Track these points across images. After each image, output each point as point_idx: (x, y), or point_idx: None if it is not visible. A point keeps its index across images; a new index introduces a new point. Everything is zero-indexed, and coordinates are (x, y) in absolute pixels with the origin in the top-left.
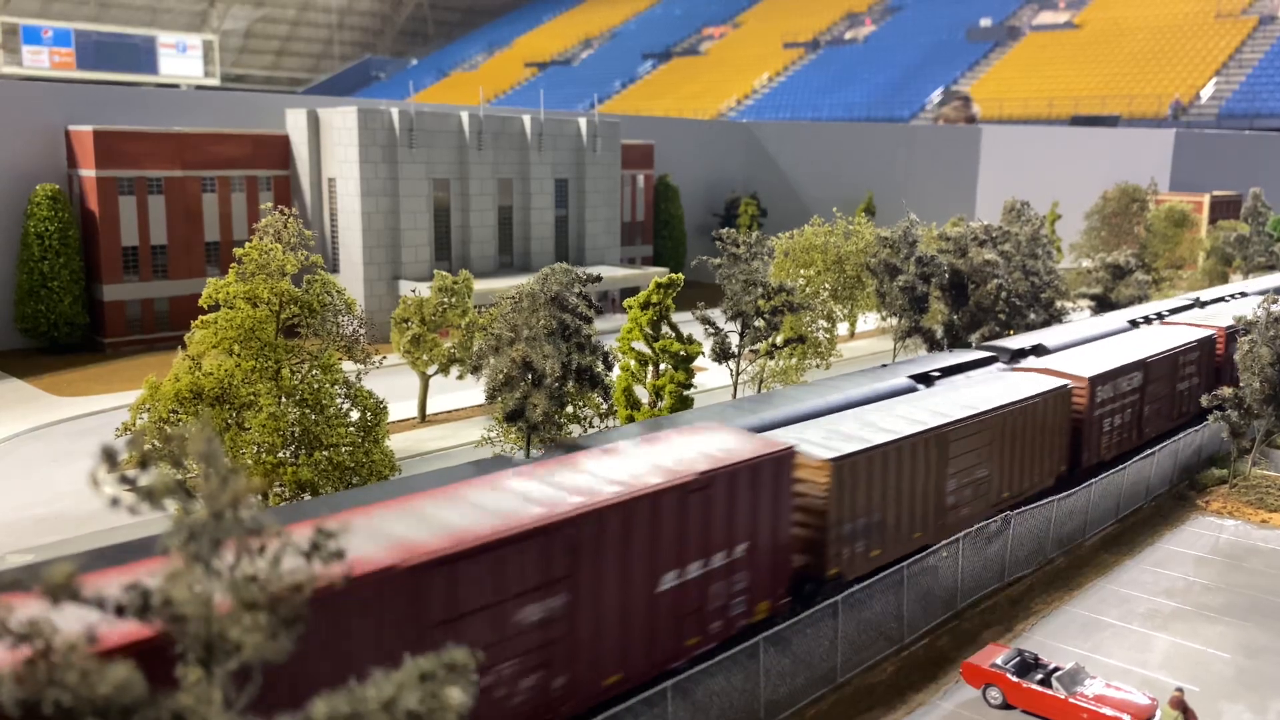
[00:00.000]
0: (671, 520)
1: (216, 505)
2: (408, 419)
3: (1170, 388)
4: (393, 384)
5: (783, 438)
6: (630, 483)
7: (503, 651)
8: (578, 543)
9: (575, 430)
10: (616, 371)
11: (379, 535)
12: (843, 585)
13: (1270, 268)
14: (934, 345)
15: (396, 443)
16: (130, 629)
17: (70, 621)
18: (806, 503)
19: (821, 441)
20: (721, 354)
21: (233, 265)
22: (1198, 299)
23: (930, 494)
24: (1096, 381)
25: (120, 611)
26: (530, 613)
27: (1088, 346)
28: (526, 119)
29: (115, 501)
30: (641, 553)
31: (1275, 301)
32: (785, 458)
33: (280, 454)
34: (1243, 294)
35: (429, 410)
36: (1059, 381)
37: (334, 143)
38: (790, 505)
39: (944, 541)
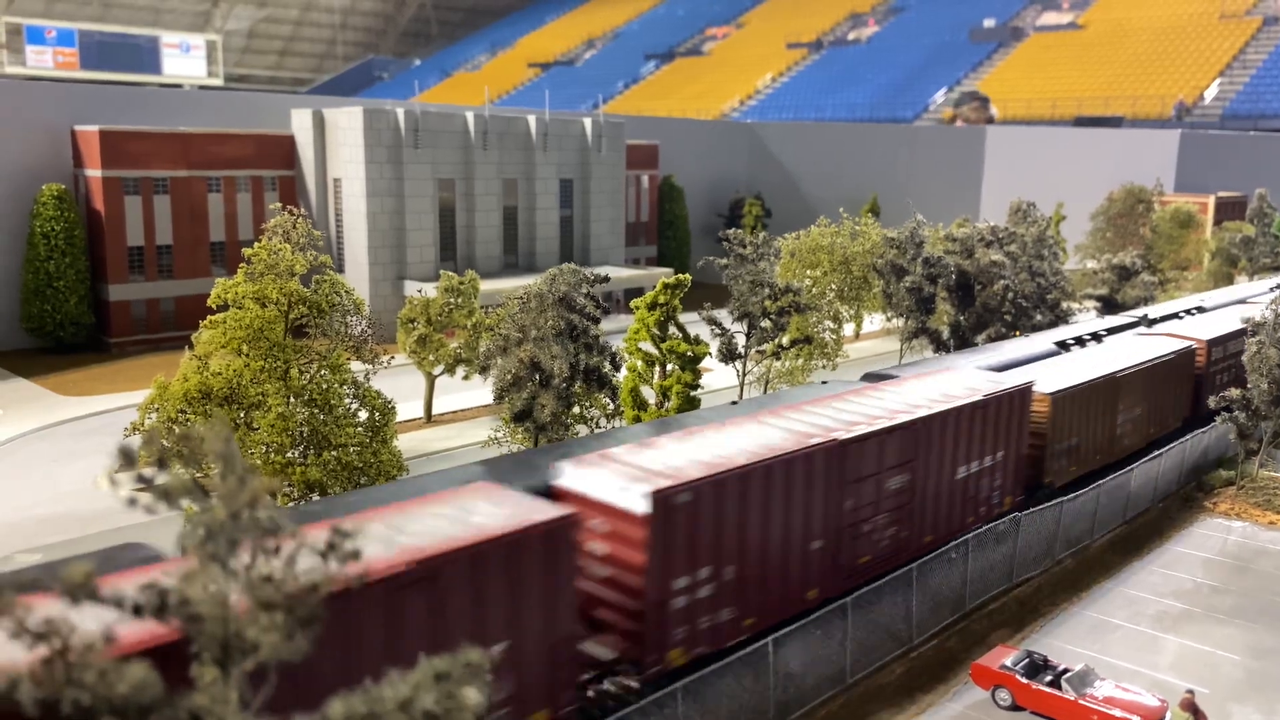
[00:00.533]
0: (965, 428)
1: (234, 505)
2: (414, 419)
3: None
4: (398, 384)
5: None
6: (941, 400)
7: (879, 507)
8: (918, 437)
9: (582, 431)
10: (623, 372)
11: (810, 424)
12: (1052, 493)
13: (1275, 269)
14: (940, 346)
15: (403, 443)
16: None
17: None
18: (1031, 428)
19: (1040, 381)
20: (728, 354)
21: (241, 265)
22: (1145, 316)
23: (1107, 425)
24: (1213, 344)
25: (138, 612)
26: (893, 483)
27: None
28: (531, 119)
29: (133, 501)
30: (950, 449)
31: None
32: (1028, 390)
33: (289, 454)
34: (1200, 308)
35: (435, 410)
36: (1187, 343)
37: (339, 143)
38: (1028, 428)
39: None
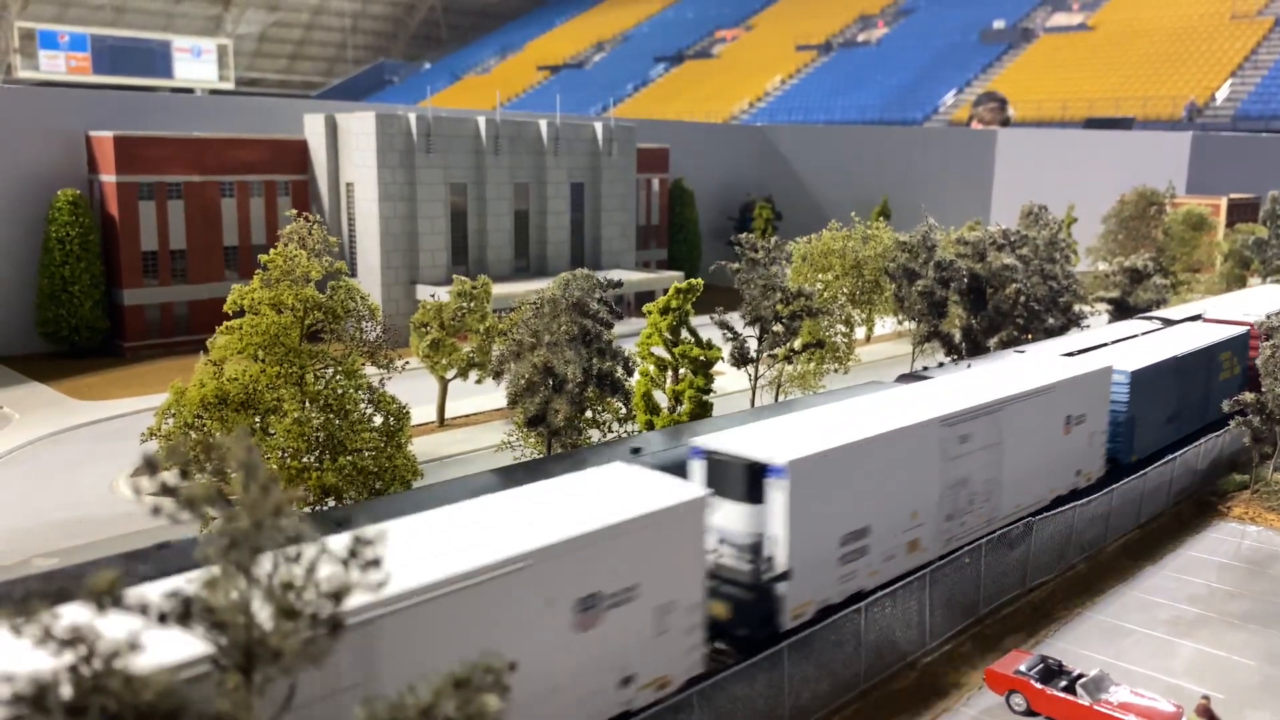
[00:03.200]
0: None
1: (257, 514)
2: (426, 423)
3: None
4: (411, 388)
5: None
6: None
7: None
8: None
9: (594, 435)
10: (635, 376)
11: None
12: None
13: None
14: (952, 350)
15: (416, 447)
16: None
17: None
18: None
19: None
20: (740, 359)
21: (257, 271)
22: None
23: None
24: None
25: (163, 619)
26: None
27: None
28: (543, 123)
29: (157, 510)
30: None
31: None
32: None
33: (305, 459)
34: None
35: (448, 414)
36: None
37: (352, 148)
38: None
39: (960, 549)
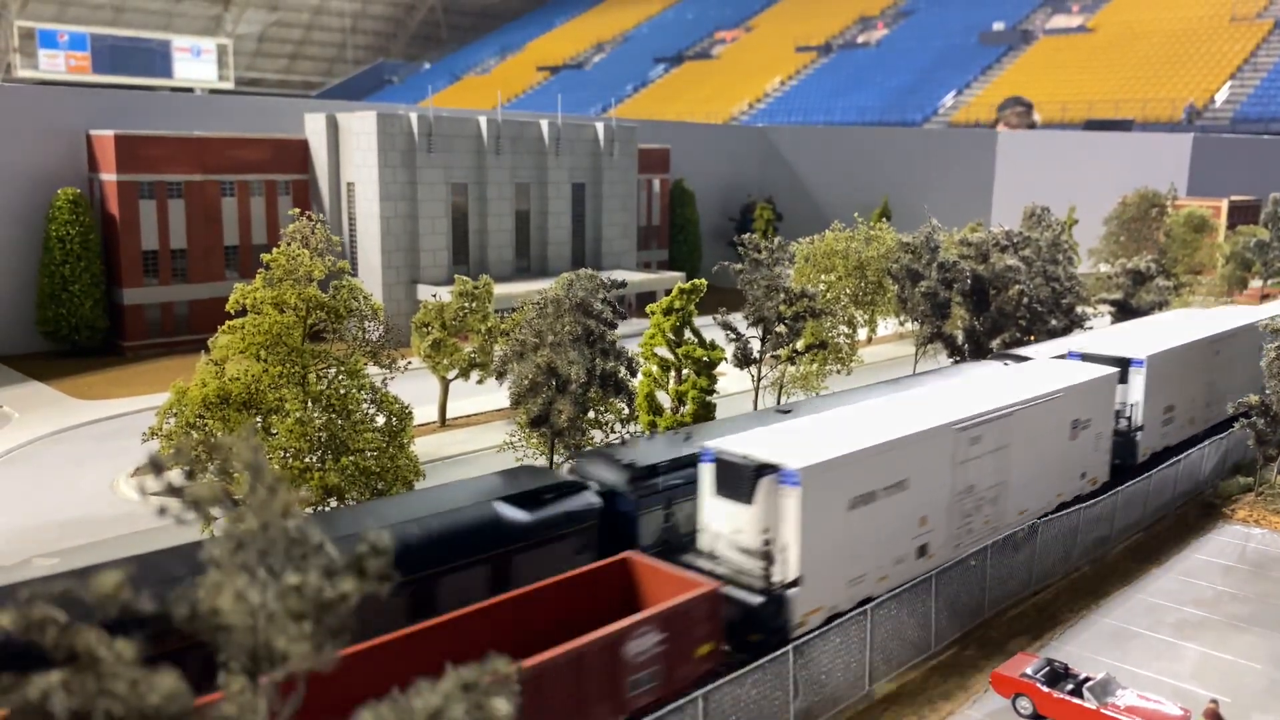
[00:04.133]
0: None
1: (265, 515)
2: (428, 423)
3: None
4: (412, 388)
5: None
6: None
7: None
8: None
9: (597, 435)
10: (639, 377)
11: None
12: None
13: None
14: (955, 351)
15: (418, 447)
16: None
17: None
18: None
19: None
20: (744, 359)
21: (260, 271)
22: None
23: None
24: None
25: (164, 619)
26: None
27: None
28: (544, 124)
29: (163, 510)
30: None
31: None
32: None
33: (307, 459)
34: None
35: (449, 414)
36: None
37: (353, 147)
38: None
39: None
